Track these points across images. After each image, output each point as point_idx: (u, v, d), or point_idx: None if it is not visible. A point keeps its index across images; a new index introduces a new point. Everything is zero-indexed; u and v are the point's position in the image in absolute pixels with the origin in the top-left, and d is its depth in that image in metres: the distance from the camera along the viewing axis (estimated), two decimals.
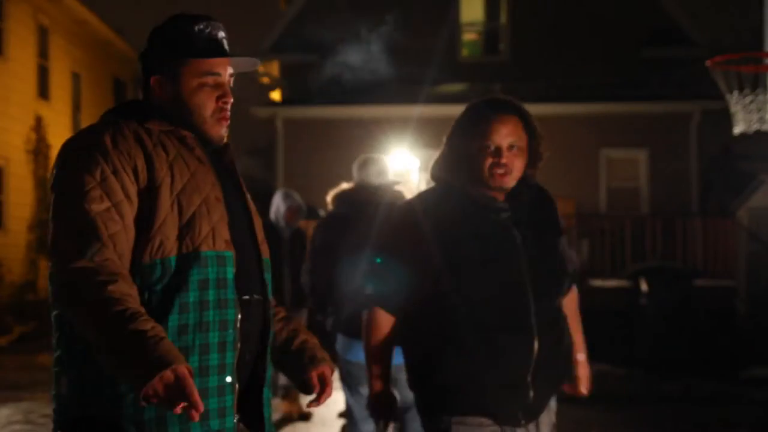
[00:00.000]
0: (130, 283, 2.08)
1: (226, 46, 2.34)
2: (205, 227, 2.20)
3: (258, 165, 31.86)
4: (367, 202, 4.70)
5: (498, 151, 2.72)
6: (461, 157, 2.78)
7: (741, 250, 12.93)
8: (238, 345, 2.25)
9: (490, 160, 2.72)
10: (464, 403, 2.73)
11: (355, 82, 15.74)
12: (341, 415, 7.68)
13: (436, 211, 2.78)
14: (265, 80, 19.50)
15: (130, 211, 2.15)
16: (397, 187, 4.82)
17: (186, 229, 2.18)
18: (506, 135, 2.73)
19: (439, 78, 15.44)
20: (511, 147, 2.73)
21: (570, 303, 3.03)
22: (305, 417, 7.78)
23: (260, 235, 2.38)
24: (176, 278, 2.16)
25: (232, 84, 2.36)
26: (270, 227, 7.76)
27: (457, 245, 2.72)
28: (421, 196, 2.88)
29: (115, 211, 2.12)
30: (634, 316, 11.09)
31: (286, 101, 17.39)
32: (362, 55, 16.54)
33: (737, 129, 7.46)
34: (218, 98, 2.30)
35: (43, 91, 18.58)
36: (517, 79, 16.33)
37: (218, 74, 2.30)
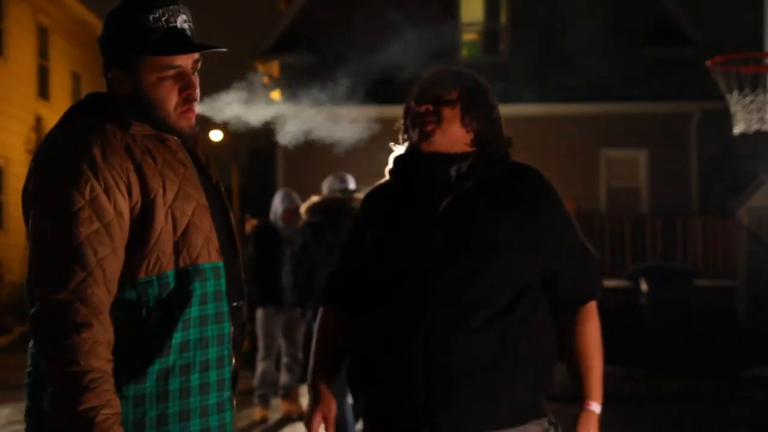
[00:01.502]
0: (107, 325, 1.97)
1: (189, 32, 2.12)
2: (199, 238, 2.09)
3: (258, 165, 31.81)
4: (337, 211, 5.70)
5: (418, 107, 2.49)
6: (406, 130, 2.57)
7: (741, 250, 12.93)
8: (233, 359, 2.19)
9: (413, 115, 2.50)
10: (368, 410, 2.53)
11: (355, 82, 15.74)
12: None
13: (376, 193, 2.62)
14: (265, 80, 19.50)
15: (121, 231, 2.00)
16: (359, 195, 5.78)
17: (182, 241, 2.06)
18: (433, 92, 2.48)
19: None
20: (437, 101, 2.46)
21: (586, 331, 2.45)
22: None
23: (234, 231, 2.27)
24: (177, 293, 2.05)
25: (198, 66, 2.16)
26: (269, 228, 7.77)
27: (379, 222, 2.51)
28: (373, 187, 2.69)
29: (105, 233, 1.97)
30: (634, 316, 11.08)
31: (286, 101, 17.39)
32: (362, 55, 16.54)
33: (737, 129, 7.46)
34: (181, 90, 2.11)
35: (43, 91, 18.59)
36: (517, 79, 16.33)
37: (178, 66, 2.10)
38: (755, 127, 7.34)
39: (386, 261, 2.43)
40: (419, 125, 2.47)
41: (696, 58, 13.77)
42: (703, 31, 17.09)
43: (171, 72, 2.10)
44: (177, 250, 2.06)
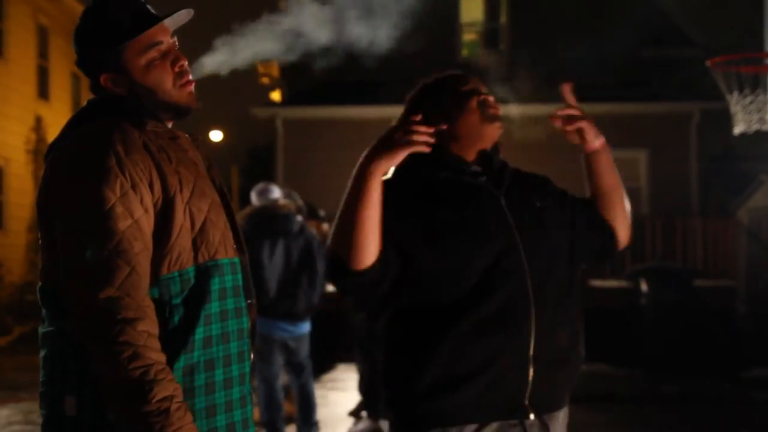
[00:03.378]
0: (154, 317, 1.98)
1: (152, 10, 2.17)
2: (216, 234, 2.11)
3: (258, 165, 31.83)
4: (271, 216, 6.16)
5: (478, 90, 2.67)
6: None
7: (741, 250, 12.92)
8: (251, 354, 2.20)
9: (476, 98, 2.64)
10: (451, 408, 2.40)
11: (355, 82, 15.74)
12: (351, 413, 7.75)
13: (399, 185, 2.49)
14: (265, 80, 19.49)
15: (148, 226, 2.01)
16: (282, 202, 6.33)
17: (199, 238, 2.08)
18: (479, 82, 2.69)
19: None
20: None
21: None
22: None
23: (240, 232, 2.27)
24: (197, 289, 2.06)
25: (177, 44, 2.19)
26: None
27: (430, 215, 2.42)
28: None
29: (137, 228, 1.98)
30: (634, 316, 11.09)
31: (285, 101, 17.38)
32: (361, 56, 16.54)
33: (737, 129, 7.45)
34: (172, 65, 2.15)
35: (43, 92, 18.59)
36: (518, 79, 16.33)
37: (160, 42, 2.14)
38: (755, 127, 7.33)
39: (472, 248, 2.43)
40: (492, 108, 2.65)
41: (696, 58, 13.76)
42: (703, 32, 17.12)
43: (155, 52, 2.13)
44: (195, 246, 2.07)
